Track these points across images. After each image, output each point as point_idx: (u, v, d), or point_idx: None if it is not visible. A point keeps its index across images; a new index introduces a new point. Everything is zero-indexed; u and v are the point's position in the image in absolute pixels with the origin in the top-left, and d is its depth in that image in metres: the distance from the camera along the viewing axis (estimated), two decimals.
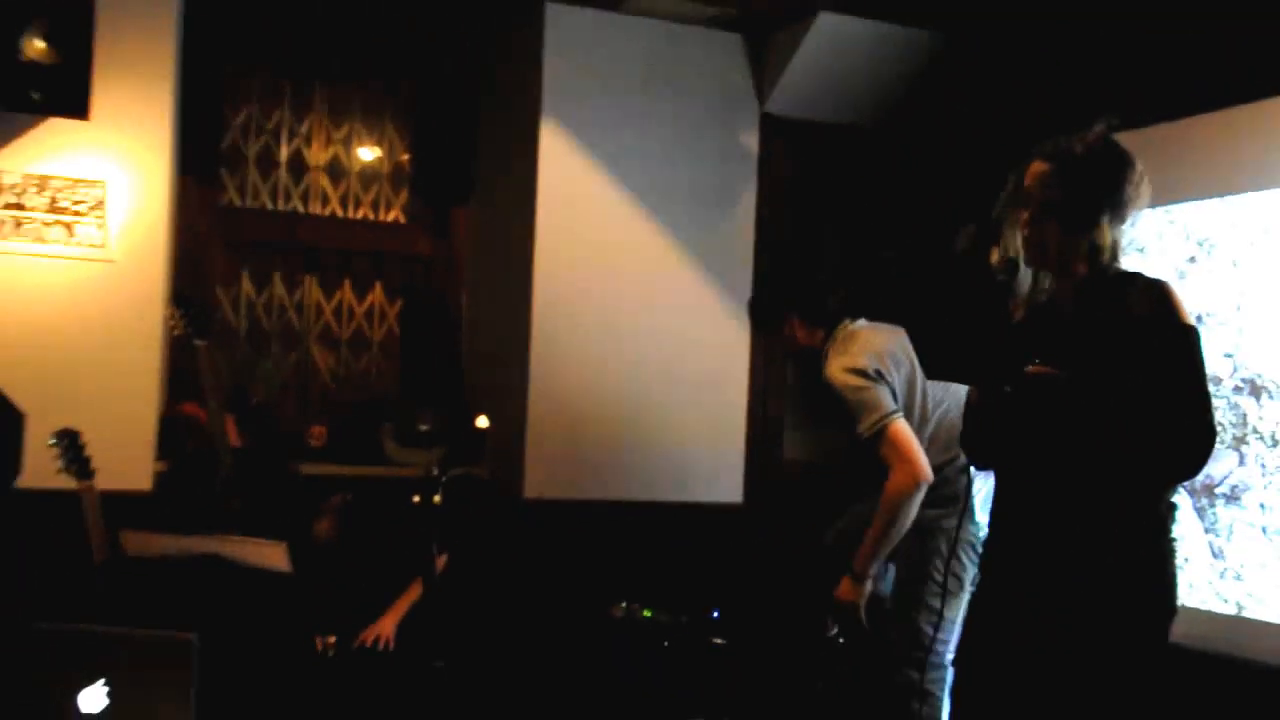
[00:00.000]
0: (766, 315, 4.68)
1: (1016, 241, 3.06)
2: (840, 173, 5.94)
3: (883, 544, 4.19)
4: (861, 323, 4.54)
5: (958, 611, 3.97)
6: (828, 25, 5.39)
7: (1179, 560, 3.64)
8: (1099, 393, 2.86)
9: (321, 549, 4.70)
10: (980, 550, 3.47)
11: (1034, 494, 3.02)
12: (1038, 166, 3.02)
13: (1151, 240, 4.52)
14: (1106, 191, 2.96)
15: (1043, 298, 3.11)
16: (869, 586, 4.17)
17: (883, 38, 5.50)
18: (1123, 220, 3.00)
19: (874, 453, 4.23)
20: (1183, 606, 4.27)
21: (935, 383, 4.45)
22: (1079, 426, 2.89)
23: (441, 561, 4.73)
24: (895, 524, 4.21)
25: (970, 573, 4.12)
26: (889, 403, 4.25)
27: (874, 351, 4.32)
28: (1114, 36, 4.87)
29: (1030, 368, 2.91)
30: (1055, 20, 5.06)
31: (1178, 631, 4.23)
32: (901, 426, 4.24)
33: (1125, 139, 3.74)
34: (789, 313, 4.51)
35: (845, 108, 5.79)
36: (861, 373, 4.26)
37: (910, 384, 4.34)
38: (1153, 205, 4.38)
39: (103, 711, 2.93)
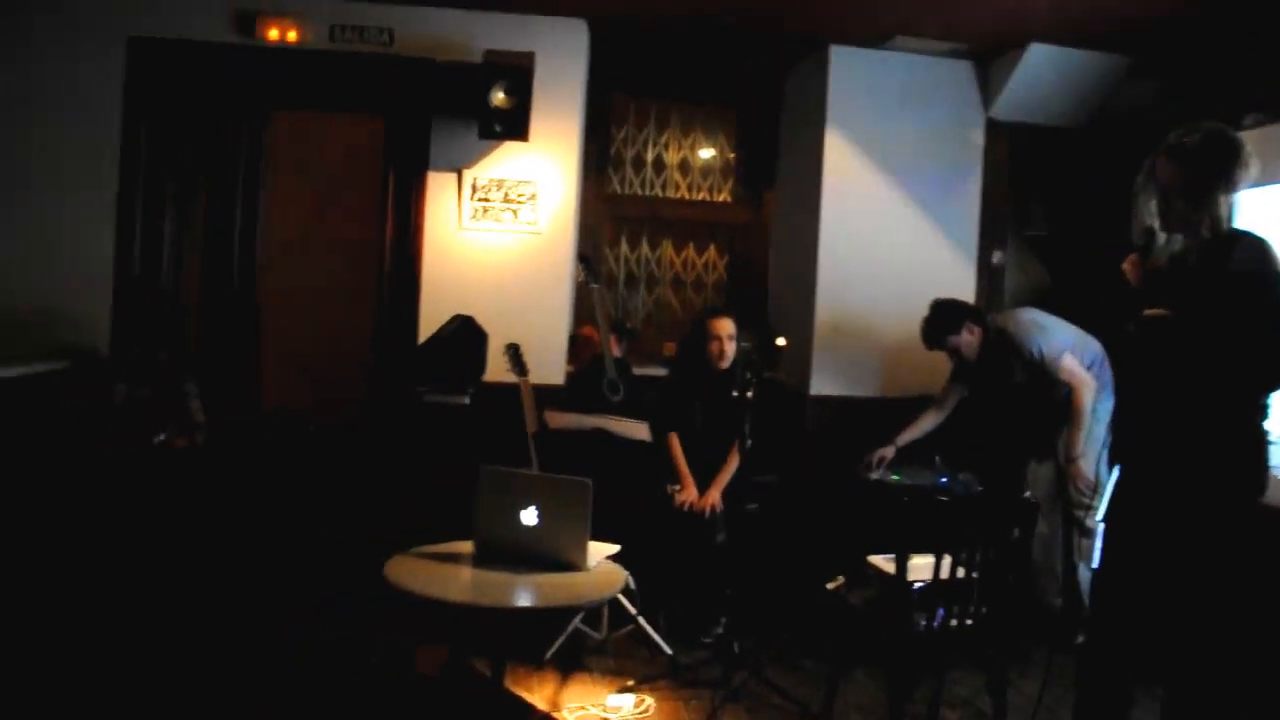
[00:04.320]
0: (947, 328, 4.59)
1: (1151, 214, 2.94)
2: (1046, 163, 5.65)
3: (1081, 434, 4.29)
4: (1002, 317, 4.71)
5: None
6: (1037, 53, 5.19)
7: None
8: (1201, 328, 2.77)
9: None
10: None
11: (1153, 404, 2.94)
12: (1166, 156, 2.89)
13: None
14: (1220, 173, 2.82)
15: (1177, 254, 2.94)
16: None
17: (1080, 61, 5.24)
18: (1234, 193, 2.85)
19: (1057, 378, 4.36)
20: None
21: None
22: (1183, 354, 2.81)
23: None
24: (1085, 418, 4.30)
25: None
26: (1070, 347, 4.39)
27: (1046, 326, 4.49)
28: (1260, 58, 4.60)
29: (1147, 311, 2.85)
30: (1212, 47, 4.80)
31: None
32: (1075, 361, 4.37)
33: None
34: (970, 323, 4.56)
35: (1051, 114, 5.52)
36: (1049, 332, 4.44)
37: None
38: None
39: (535, 525, 3.20)
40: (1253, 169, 2.87)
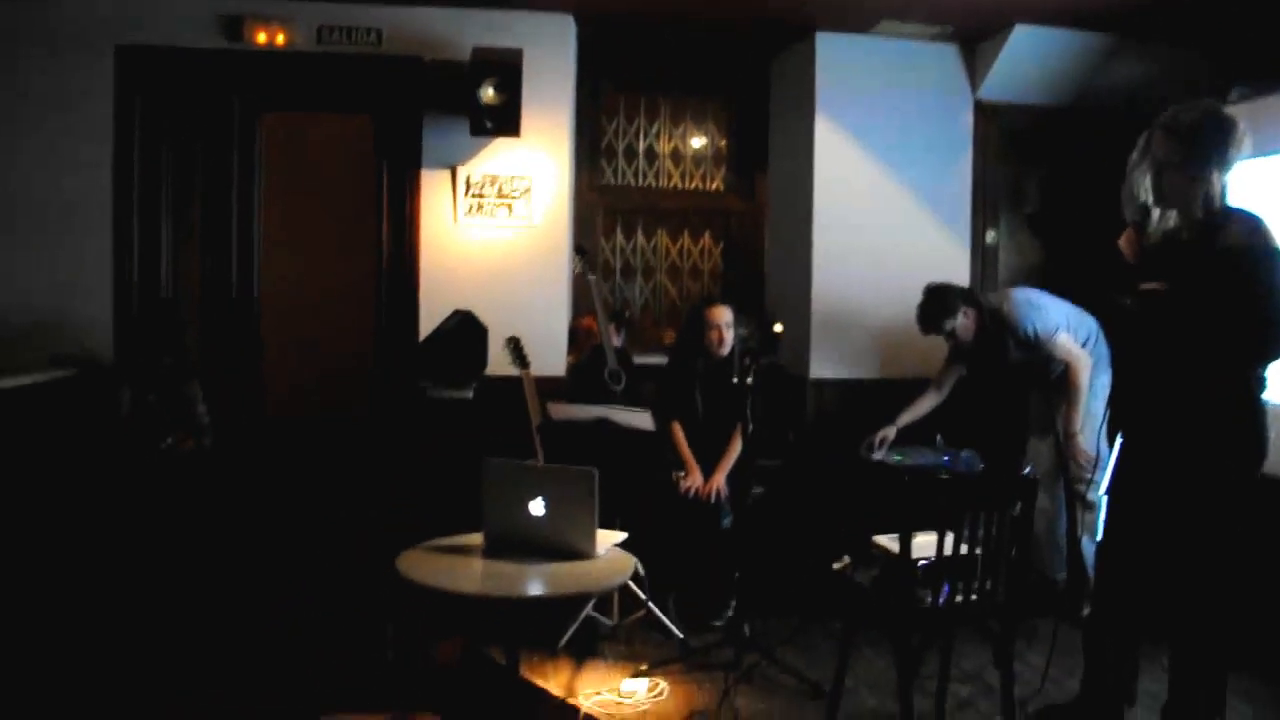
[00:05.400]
0: (942, 312, 4.58)
1: (1146, 190, 2.98)
2: (1037, 142, 5.71)
3: (1079, 410, 4.33)
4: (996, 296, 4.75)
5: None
6: (1022, 34, 5.22)
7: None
8: (1195, 303, 2.81)
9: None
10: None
11: (1152, 377, 3.00)
12: (1162, 132, 2.92)
13: None
14: (1215, 150, 2.87)
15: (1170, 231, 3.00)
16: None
17: (1065, 40, 5.27)
18: (1228, 170, 2.90)
19: (1053, 355, 4.43)
20: None
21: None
22: (1177, 328, 2.87)
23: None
24: (1082, 394, 4.35)
25: None
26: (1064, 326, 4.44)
27: (1040, 304, 4.54)
28: (1245, 32, 4.64)
29: (1143, 285, 2.90)
30: (1196, 22, 4.84)
31: None
32: (1069, 338, 4.43)
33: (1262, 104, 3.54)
34: (965, 306, 4.58)
35: (1039, 93, 5.57)
36: (1043, 311, 4.48)
37: None
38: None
39: (543, 515, 3.21)
40: (1246, 146, 2.91)
